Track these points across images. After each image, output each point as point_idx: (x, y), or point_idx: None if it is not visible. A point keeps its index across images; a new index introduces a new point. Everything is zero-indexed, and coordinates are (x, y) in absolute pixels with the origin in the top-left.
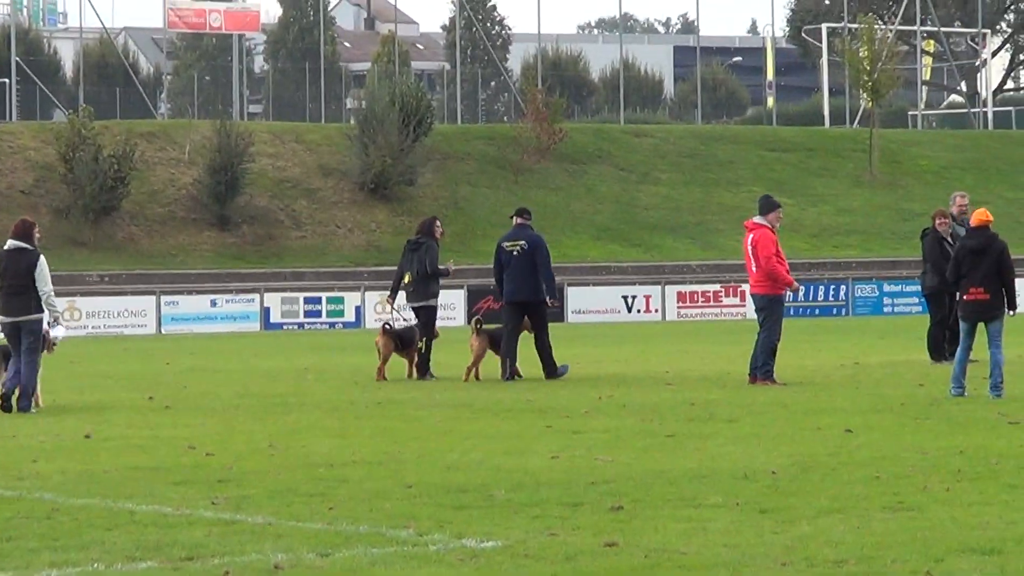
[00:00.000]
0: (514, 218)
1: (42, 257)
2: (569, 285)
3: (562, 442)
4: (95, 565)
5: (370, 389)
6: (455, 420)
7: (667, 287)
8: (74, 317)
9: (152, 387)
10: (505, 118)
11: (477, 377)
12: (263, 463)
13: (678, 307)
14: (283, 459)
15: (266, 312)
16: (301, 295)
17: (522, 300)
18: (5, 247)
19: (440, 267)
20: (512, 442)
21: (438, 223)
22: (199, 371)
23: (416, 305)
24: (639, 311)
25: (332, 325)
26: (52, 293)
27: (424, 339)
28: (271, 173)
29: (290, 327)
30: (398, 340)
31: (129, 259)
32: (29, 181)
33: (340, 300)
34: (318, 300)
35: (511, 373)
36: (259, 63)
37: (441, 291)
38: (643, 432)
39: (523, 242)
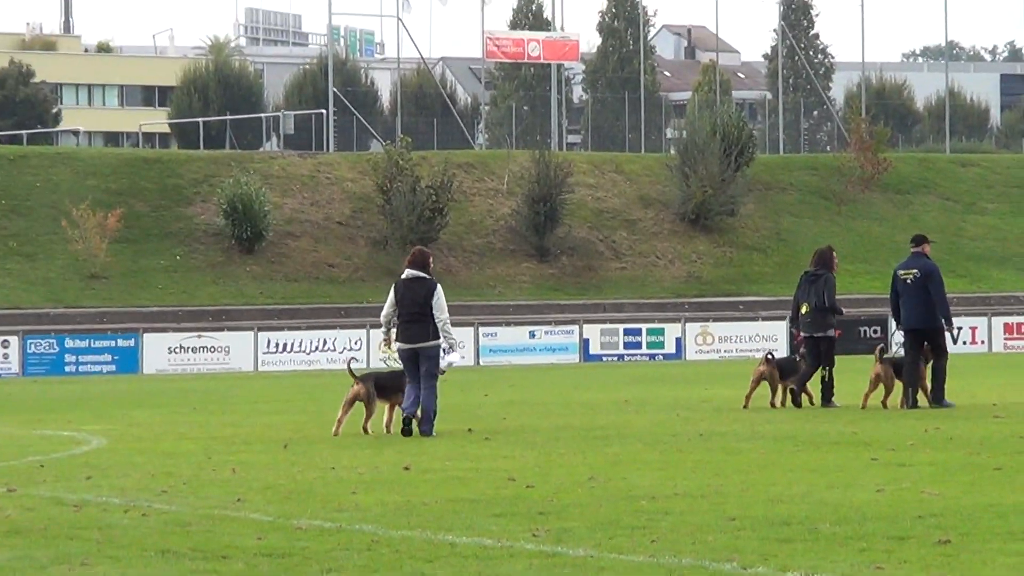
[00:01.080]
0: (911, 246)
1: (439, 286)
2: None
3: (888, 475)
4: None
5: (692, 421)
6: (778, 453)
7: (994, 319)
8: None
9: (471, 419)
10: (828, 148)
11: (884, 405)
12: (584, 495)
13: (1005, 339)
14: (604, 491)
15: (585, 344)
16: (621, 327)
17: (916, 327)
18: (403, 276)
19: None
20: (836, 475)
21: (835, 253)
22: (518, 403)
23: (816, 335)
24: (965, 343)
25: (652, 357)
26: (448, 321)
27: (827, 368)
28: (590, 204)
29: (609, 359)
30: (779, 370)
31: (447, 290)
32: (347, 212)
33: (660, 331)
34: (638, 332)
35: (912, 401)
36: (577, 93)
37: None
38: (971, 465)
39: (916, 271)
